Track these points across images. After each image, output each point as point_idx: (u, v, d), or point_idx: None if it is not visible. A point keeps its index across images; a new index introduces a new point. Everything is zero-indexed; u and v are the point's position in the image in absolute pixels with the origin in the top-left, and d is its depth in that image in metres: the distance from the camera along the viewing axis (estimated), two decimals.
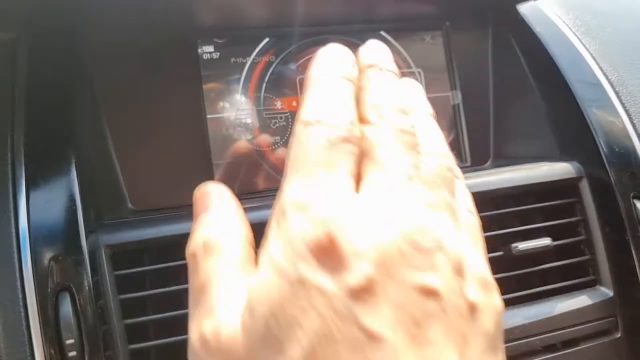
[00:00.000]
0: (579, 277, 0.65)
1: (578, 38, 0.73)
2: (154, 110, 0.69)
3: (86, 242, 0.49)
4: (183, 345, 0.53)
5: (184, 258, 0.55)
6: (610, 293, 0.64)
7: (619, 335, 0.63)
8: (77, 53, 0.65)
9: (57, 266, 0.47)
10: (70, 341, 0.45)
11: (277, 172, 0.73)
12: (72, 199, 0.50)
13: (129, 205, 0.66)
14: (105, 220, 0.56)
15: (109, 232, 0.52)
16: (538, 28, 0.74)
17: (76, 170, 0.52)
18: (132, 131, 0.68)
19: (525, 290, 0.63)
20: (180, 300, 0.53)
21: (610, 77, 0.69)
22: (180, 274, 0.54)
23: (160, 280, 0.53)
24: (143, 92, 0.69)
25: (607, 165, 0.64)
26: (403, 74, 0.78)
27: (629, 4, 0.82)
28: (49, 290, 0.46)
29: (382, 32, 0.78)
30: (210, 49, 0.72)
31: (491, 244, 0.63)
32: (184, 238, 0.54)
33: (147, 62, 0.69)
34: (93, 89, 0.66)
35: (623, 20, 0.78)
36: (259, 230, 0.55)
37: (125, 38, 0.68)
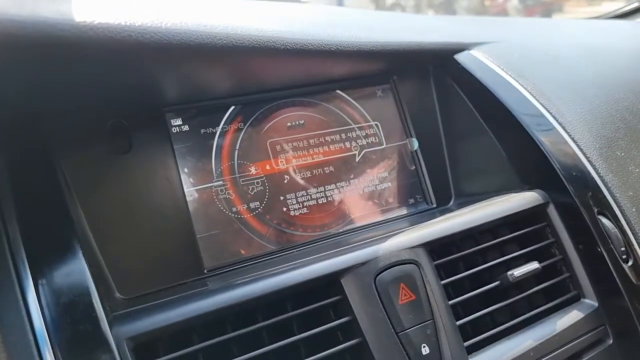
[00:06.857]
0: (563, 294, 0.70)
1: (514, 79, 0.81)
2: (129, 191, 0.66)
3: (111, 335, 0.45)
4: None
5: (195, 343, 0.52)
6: (595, 304, 0.69)
7: (611, 342, 0.68)
8: (40, 139, 0.61)
9: None
10: None
11: (260, 238, 0.72)
12: (85, 291, 0.46)
13: (117, 294, 0.62)
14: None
15: (125, 323, 0.48)
16: (479, 73, 0.81)
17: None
18: (109, 216, 0.64)
19: (521, 315, 0.66)
20: None
21: (550, 110, 0.77)
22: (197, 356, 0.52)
23: None
24: (115, 173, 0.65)
25: (569, 188, 0.70)
26: (362, 128, 0.82)
27: (548, 49, 0.93)
28: None
29: (338, 91, 0.81)
30: (179, 121, 0.71)
31: (482, 276, 0.67)
32: (192, 322, 0.52)
33: (117, 143, 0.66)
34: (63, 176, 0.62)
35: (547, 64, 0.88)
36: (254, 306, 0.54)
37: (92, 121, 0.65)
